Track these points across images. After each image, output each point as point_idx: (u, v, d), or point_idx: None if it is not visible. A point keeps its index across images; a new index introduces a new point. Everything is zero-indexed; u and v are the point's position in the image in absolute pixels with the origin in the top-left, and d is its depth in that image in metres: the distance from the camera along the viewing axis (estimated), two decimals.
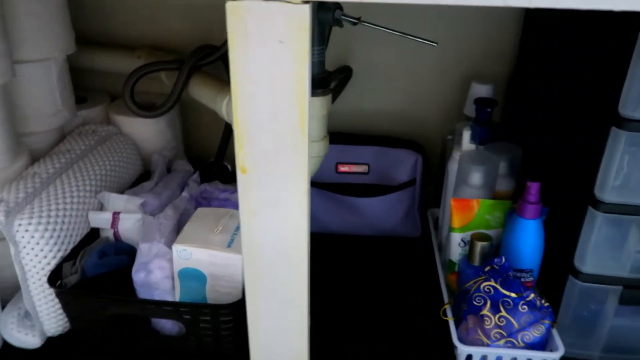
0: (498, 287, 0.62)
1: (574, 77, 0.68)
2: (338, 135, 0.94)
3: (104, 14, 0.93)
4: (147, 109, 0.80)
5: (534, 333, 0.63)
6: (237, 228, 0.65)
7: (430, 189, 0.96)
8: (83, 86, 0.95)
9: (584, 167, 0.61)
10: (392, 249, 0.91)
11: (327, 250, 0.90)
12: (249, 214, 0.45)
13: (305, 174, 0.43)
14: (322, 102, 0.69)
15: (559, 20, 0.73)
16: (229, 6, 0.37)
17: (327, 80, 0.69)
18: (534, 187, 0.63)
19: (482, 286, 0.63)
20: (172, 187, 0.79)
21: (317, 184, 0.92)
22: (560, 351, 0.63)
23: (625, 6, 0.36)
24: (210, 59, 0.81)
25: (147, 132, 0.89)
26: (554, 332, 0.65)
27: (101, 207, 0.72)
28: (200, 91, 0.78)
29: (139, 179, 0.86)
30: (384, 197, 0.91)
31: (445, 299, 0.73)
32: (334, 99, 0.95)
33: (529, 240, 0.65)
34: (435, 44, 0.60)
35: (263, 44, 0.38)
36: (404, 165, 0.90)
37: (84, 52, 0.89)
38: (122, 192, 0.77)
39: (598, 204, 0.59)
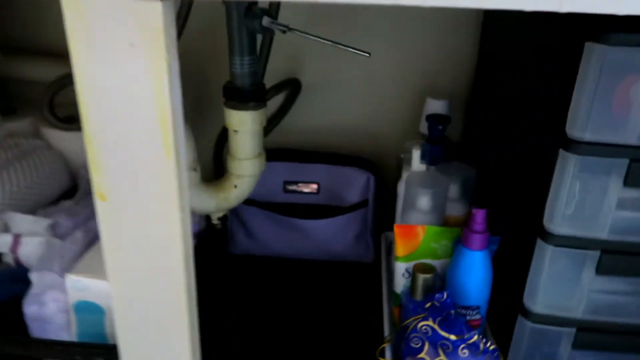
0: (436, 327, 0.55)
1: (526, 94, 0.62)
2: (287, 152, 0.88)
3: (35, 20, 0.87)
4: (69, 121, 0.73)
5: None
6: None
7: (387, 210, 0.90)
8: (15, 96, 0.88)
9: (533, 195, 0.55)
10: (341, 275, 0.84)
11: (269, 276, 0.83)
12: (113, 249, 0.38)
13: (177, 201, 0.36)
14: (254, 116, 0.63)
15: (512, 31, 0.67)
16: (65, 1, 0.30)
17: (260, 93, 0.63)
18: (479, 215, 0.57)
19: (419, 326, 0.56)
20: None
21: (263, 204, 0.85)
22: None
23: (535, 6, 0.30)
24: None
25: (77, 145, 0.82)
26: None
27: (5, 229, 0.65)
28: None
29: (65, 196, 0.79)
30: (333, 219, 0.84)
31: (386, 331, 0.66)
32: (282, 115, 0.89)
33: (474, 273, 0.58)
34: (368, 55, 0.54)
35: (111, 47, 0.31)
36: (355, 184, 0.83)
37: (14, 60, 0.83)
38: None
39: (547, 236, 0.52)
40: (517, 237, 0.60)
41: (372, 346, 0.67)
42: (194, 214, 0.68)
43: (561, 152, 0.49)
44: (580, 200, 0.50)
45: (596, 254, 0.51)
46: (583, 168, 0.48)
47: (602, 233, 0.51)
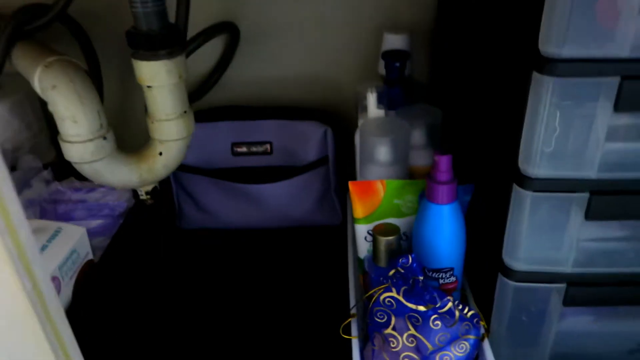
0: (400, 299, 0.47)
1: (494, 15, 0.51)
2: (232, 109, 0.77)
3: None
4: None
5: (457, 353, 0.48)
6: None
7: (352, 166, 0.80)
8: None
9: (507, 133, 0.46)
10: (305, 243, 0.75)
11: (225, 250, 0.74)
12: None
13: None
14: (168, 67, 0.52)
15: None
16: None
17: (173, 37, 0.52)
18: (443, 162, 0.47)
19: (382, 298, 0.47)
20: None
21: (210, 172, 0.75)
22: None
23: None
24: (41, 22, 0.62)
25: None
26: (486, 345, 0.50)
27: None
28: (21, 63, 0.60)
29: None
30: (290, 180, 0.74)
31: (352, 304, 0.57)
32: (224, 68, 0.78)
33: (443, 230, 0.49)
34: None
35: None
36: (311, 140, 0.74)
37: None
38: None
39: (525, 181, 0.43)
40: (491, 185, 0.51)
41: (339, 321, 0.59)
42: (114, 189, 0.58)
43: (534, 75, 0.39)
44: (562, 134, 0.41)
45: (584, 196, 0.43)
46: (563, 93, 0.39)
47: (590, 171, 0.42)
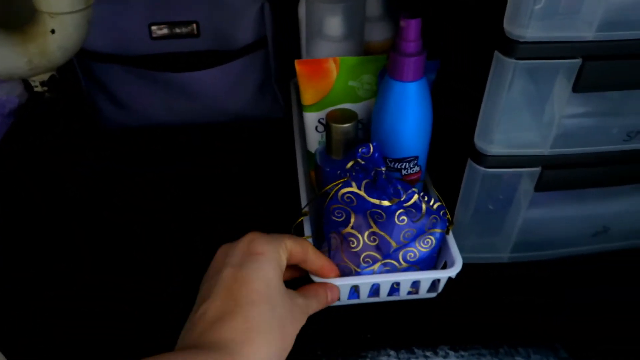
0: (362, 194, 0.40)
1: None
2: None
3: None
4: None
5: (421, 248, 0.43)
6: None
7: (293, 48, 0.70)
8: None
9: None
10: (243, 138, 0.67)
11: (152, 152, 0.64)
12: None
13: None
14: None
15: None
16: None
17: None
18: (412, 28, 0.39)
19: (340, 194, 0.41)
20: None
21: (126, 59, 0.63)
22: (457, 266, 0.44)
23: None
24: None
25: None
26: (450, 238, 0.46)
27: None
28: None
29: None
30: (222, 67, 0.64)
31: (303, 203, 0.51)
32: None
33: (409, 114, 0.42)
34: None
35: None
36: (246, 18, 0.62)
37: None
38: None
39: (511, 47, 0.36)
40: (465, 56, 0.43)
41: (290, 221, 0.53)
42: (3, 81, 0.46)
43: None
44: None
45: (575, 63, 0.36)
46: None
47: (588, 32, 0.35)
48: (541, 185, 0.44)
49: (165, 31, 0.62)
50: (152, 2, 0.61)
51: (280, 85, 0.68)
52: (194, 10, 0.62)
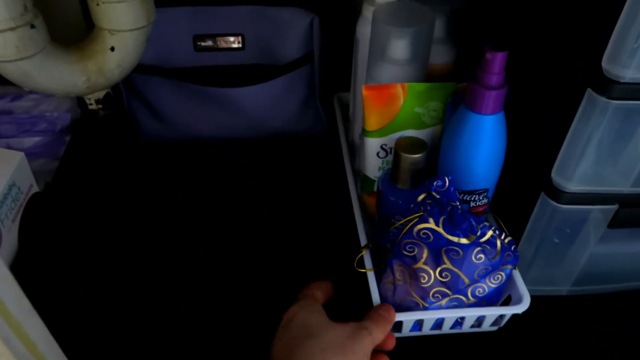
0: (441, 231, 0.39)
1: None
2: None
3: None
4: None
5: (491, 284, 0.42)
6: None
7: (336, 64, 0.68)
8: None
9: (586, 14, 0.36)
10: (286, 155, 0.65)
11: (190, 165, 0.62)
12: None
13: None
14: None
15: None
16: None
17: None
18: (497, 61, 0.37)
19: (415, 230, 0.39)
20: None
21: (169, 71, 0.61)
22: (525, 303, 0.43)
23: None
24: None
25: None
26: (516, 272, 0.45)
27: None
28: None
29: None
30: (267, 84, 0.62)
31: (361, 231, 0.49)
32: None
33: (486, 146, 0.41)
34: None
35: None
36: (294, 32, 0.60)
37: None
38: None
39: (607, 85, 0.34)
40: (544, 86, 0.42)
41: (342, 246, 0.51)
42: (50, 95, 0.44)
43: None
44: None
45: None
46: None
47: None
48: (616, 223, 0.43)
49: (209, 43, 0.61)
50: (197, 13, 0.59)
51: (322, 102, 0.66)
52: (240, 23, 0.60)
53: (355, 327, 0.37)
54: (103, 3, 0.40)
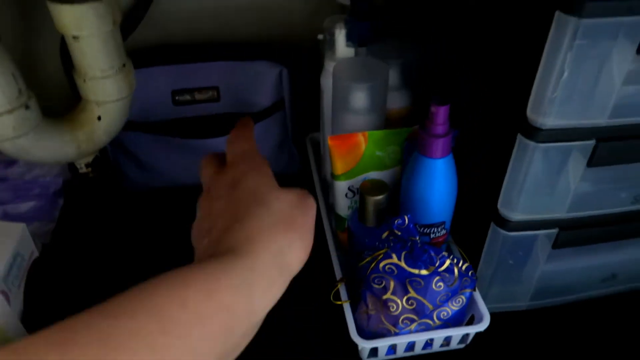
0: (403, 265, 0.44)
1: None
2: (167, 50, 0.66)
3: None
4: None
5: (453, 307, 0.47)
6: None
7: (307, 107, 0.73)
8: None
9: (513, 79, 0.42)
10: None
11: (176, 211, 0.66)
12: None
13: None
14: (99, 11, 0.41)
15: None
16: None
17: None
18: (441, 114, 0.43)
19: (381, 266, 0.44)
20: None
21: (149, 126, 0.65)
22: (485, 321, 0.48)
23: None
24: None
25: None
26: (476, 293, 0.50)
27: None
28: None
29: None
30: None
31: (335, 265, 0.54)
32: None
33: (438, 185, 0.46)
34: None
35: None
36: (265, 83, 0.65)
37: None
38: None
39: (532, 131, 0.40)
40: (485, 131, 0.48)
41: (319, 279, 0.56)
42: (46, 165, 0.48)
43: (558, 14, 0.34)
44: (576, 80, 0.37)
45: (590, 144, 0.41)
46: (584, 34, 0.35)
47: (601, 118, 0.39)
48: (558, 244, 0.48)
49: (187, 97, 0.65)
50: (175, 70, 0.64)
51: (296, 143, 0.71)
52: (215, 77, 0.65)
53: (301, 195, 0.34)
54: (90, 80, 0.44)
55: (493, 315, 0.52)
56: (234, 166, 0.35)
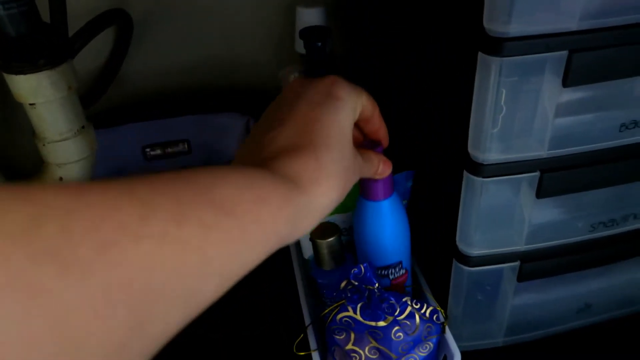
0: (359, 318, 0.43)
1: None
2: (137, 108, 0.68)
3: None
4: None
5: (421, 353, 0.46)
6: None
7: None
8: None
9: (451, 118, 0.43)
10: None
11: None
12: None
13: None
14: (52, 79, 0.43)
15: None
16: None
17: (52, 42, 0.43)
18: None
19: (338, 318, 0.44)
20: None
21: None
22: (456, 358, 0.47)
23: None
24: None
25: None
26: (448, 335, 0.49)
27: None
28: None
29: None
30: None
31: (305, 312, 0.53)
32: (118, 62, 0.68)
33: (385, 227, 0.46)
34: None
35: None
36: (233, 133, 0.67)
37: None
38: None
39: (476, 167, 0.40)
40: (437, 171, 0.48)
41: (289, 327, 0.55)
42: None
43: (481, 55, 0.36)
44: (511, 115, 0.38)
45: (535, 176, 0.41)
46: (510, 71, 0.36)
47: (541, 150, 0.40)
48: (522, 277, 0.48)
49: (158, 151, 0.67)
50: (145, 127, 0.66)
51: None
52: (184, 131, 0.67)
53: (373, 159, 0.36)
54: (48, 143, 0.46)
55: (467, 353, 0.51)
56: (338, 84, 0.33)
